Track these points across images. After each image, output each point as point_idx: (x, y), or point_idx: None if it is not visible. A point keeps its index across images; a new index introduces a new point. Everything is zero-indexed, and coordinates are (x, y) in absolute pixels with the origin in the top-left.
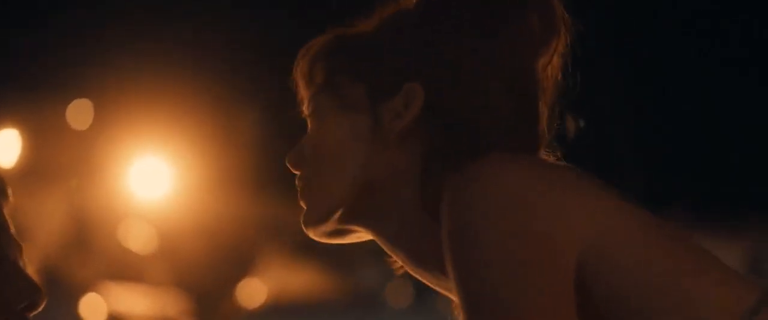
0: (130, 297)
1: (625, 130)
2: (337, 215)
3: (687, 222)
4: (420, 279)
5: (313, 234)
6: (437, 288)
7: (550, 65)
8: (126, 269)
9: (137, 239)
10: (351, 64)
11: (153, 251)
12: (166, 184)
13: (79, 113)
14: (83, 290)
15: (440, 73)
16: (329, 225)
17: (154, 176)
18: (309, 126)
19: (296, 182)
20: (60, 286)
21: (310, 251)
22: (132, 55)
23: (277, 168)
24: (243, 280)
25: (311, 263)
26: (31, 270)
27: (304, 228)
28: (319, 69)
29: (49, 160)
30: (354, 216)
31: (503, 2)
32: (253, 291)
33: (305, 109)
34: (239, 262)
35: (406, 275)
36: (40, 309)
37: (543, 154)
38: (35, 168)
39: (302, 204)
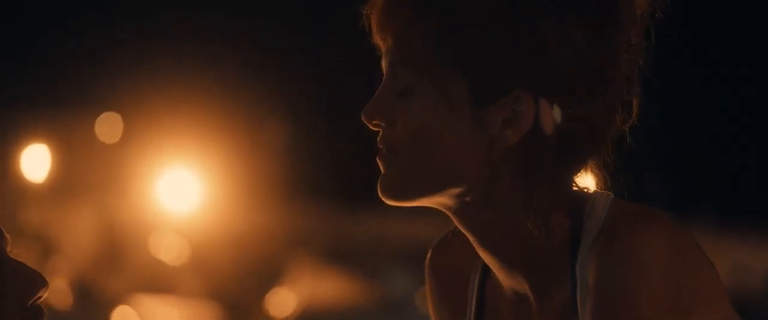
0: (162, 309)
1: (648, 131)
2: (420, 200)
3: (713, 225)
4: (492, 267)
5: (387, 202)
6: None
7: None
8: (157, 281)
9: (167, 251)
10: (453, 50)
11: (183, 262)
12: (195, 196)
13: (108, 127)
14: (115, 302)
15: (552, 82)
16: (407, 203)
17: (183, 188)
18: (386, 80)
19: (378, 141)
20: (91, 299)
21: (339, 259)
22: (160, 69)
23: (305, 179)
24: (272, 290)
25: (340, 271)
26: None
27: (380, 194)
28: (411, 34)
29: (79, 173)
30: (437, 203)
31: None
32: (282, 301)
33: (386, 64)
34: (269, 272)
35: None
36: (44, 297)
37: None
38: (65, 183)
39: (382, 168)
